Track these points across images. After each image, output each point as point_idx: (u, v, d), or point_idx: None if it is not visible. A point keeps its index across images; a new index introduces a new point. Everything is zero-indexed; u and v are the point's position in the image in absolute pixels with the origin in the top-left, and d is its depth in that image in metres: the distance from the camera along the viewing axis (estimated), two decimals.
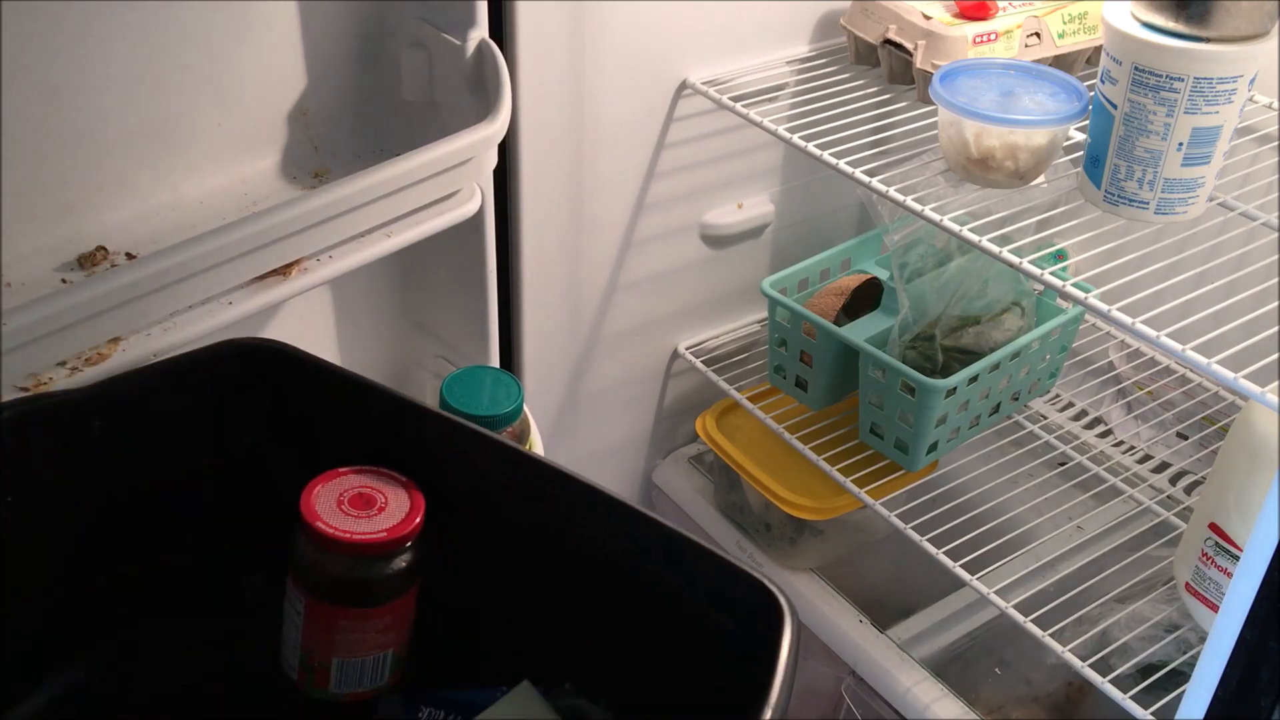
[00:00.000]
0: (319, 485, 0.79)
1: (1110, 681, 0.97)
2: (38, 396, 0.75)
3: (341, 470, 0.80)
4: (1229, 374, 0.82)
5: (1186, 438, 1.28)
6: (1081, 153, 1.01)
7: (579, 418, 1.33)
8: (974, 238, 0.98)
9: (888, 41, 1.15)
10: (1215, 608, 0.98)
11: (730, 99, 1.18)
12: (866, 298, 1.23)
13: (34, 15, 0.82)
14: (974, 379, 1.14)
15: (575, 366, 1.29)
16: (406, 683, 0.83)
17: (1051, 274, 0.93)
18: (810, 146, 1.10)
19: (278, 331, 1.01)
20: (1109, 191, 0.98)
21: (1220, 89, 0.90)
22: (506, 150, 1.10)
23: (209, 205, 0.95)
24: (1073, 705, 1.23)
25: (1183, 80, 0.90)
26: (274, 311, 1.00)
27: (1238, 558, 0.93)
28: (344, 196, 0.86)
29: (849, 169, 1.08)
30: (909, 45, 1.13)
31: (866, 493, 1.17)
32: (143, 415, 0.80)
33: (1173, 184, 0.95)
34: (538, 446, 1.01)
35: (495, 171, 1.03)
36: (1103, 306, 0.90)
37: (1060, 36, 1.15)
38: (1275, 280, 0.93)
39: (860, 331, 1.18)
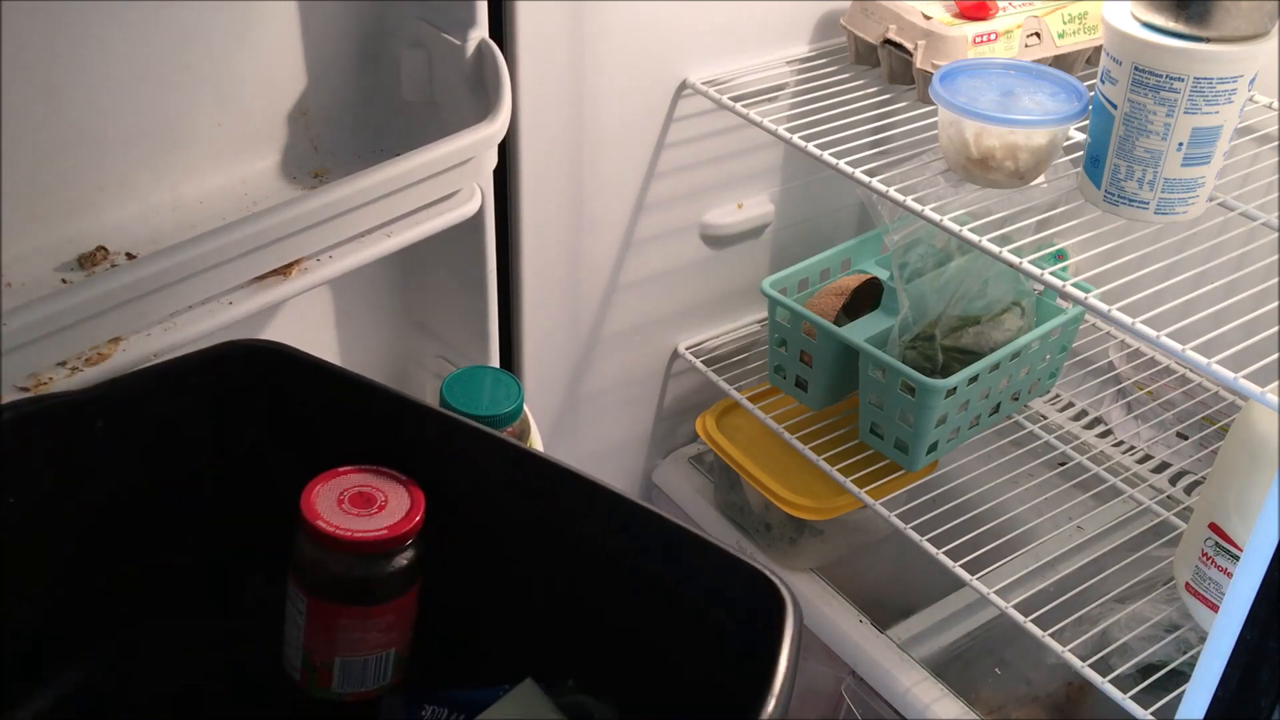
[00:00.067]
0: (319, 484, 0.79)
1: (1110, 681, 0.97)
2: (39, 398, 0.76)
3: (342, 469, 0.80)
4: (1229, 374, 0.82)
5: (1186, 438, 1.28)
6: (1081, 153, 1.01)
7: (579, 418, 1.33)
8: (974, 238, 0.98)
9: (888, 41, 1.16)
10: (1215, 608, 0.98)
11: (730, 99, 1.18)
12: (866, 298, 1.23)
13: (34, 15, 0.82)
14: (974, 379, 1.14)
15: (575, 366, 1.29)
16: (408, 682, 0.83)
17: (1051, 274, 0.93)
18: (810, 146, 1.10)
19: (278, 332, 1.01)
20: (1109, 191, 0.98)
21: (1220, 89, 0.90)
22: (506, 150, 1.10)
23: (209, 205, 0.95)
24: (1073, 705, 1.23)
25: (1183, 80, 0.90)
26: (274, 312, 1.00)
27: (1238, 558, 0.93)
28: (344, 196, 0.86)
29: (849, 169, 1.08)
30: (909, 45, 1.13)
31: (866, 493, 1.17)
32: (143, 416, 0.80)
33: (1173, 184, 0.95)
34: (538, 446, 1.01)
35: (495, 171, 1.03)
36: (1103, 306, 0.90)
37: (1060, 36, 1.15)
38: (1275, 280, 0.93)
39: (860, 331, 1.18)
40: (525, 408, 0.97)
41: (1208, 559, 0.99)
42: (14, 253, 0.86)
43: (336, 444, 0.82)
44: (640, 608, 0.77)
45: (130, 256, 0.89)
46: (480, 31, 0.97)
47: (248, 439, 0.84)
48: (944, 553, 1.10)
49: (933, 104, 1.05)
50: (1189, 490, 1.22)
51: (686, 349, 1.37)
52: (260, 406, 0.84)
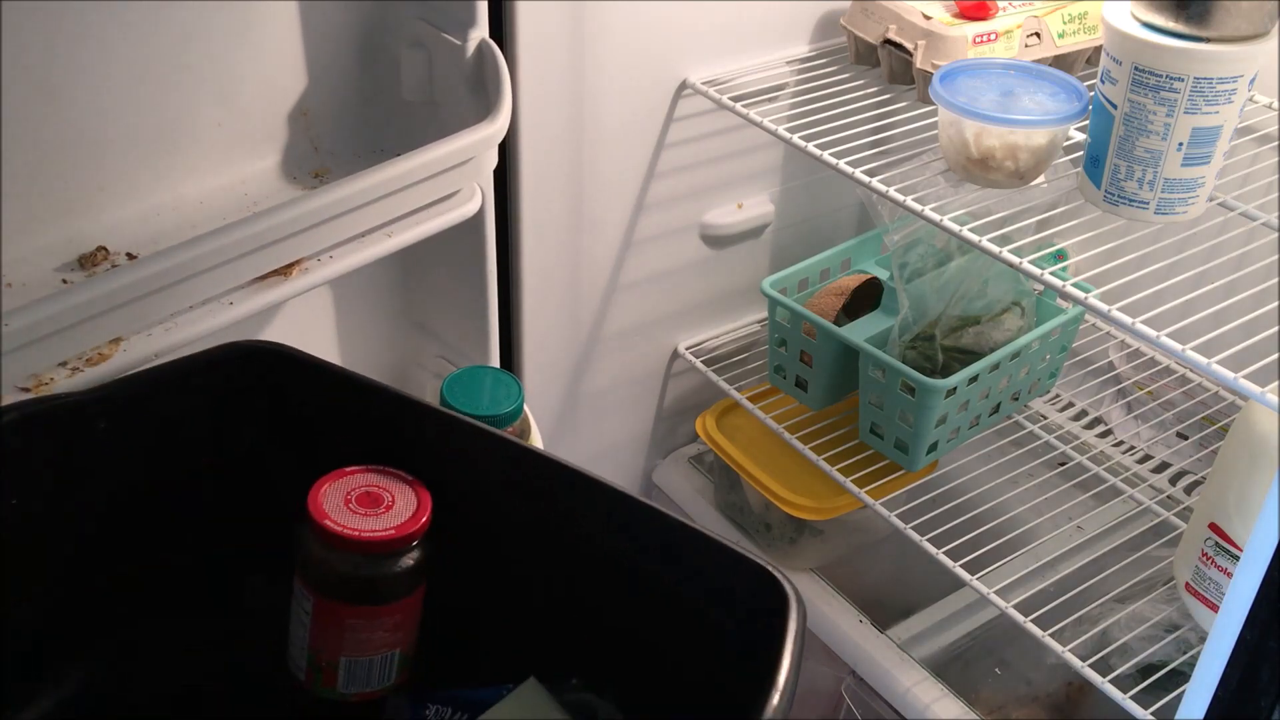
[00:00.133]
0: (326, 484, 0.79)
1: (1110, 681, 0.97)
2: (41, 399, 0.76)
3: (349, 469, 0.81)
4: (1229, 374, 0.82)
5: (1186, 438, 1.28)
6: (1081, 153, 1.02)
7: (579, 417, 1.33)
8: (974, 238, 0.99)
9: (888, 41, 1.16)
10: (1215, 608, 0.98)
11: (730, 99, 1.18)
12: (866, 298, 1.23)
13: (34, 15, 0.82)
14: (974, 379, 1.14)
15: (575, 366, 1.29)
16: (411, 682, 0.83)
17: (1051, 274, 0.93)
18: (810, 146, 1.10)
19: (278, 332, 1.01)
20: (1109, 191, 0.98)
21: (1220, 89, 0.90)
22: (506, 150, 1.09)
23: (209, 205, 0.95)
24: (1073, 705, 1.23)
25: (1183, 80, 0.90)
26: (274, 312, 1.00)
27: (1238, 558, 0.93)
28: (344, 197, 0.86)
29: (849, 169, 1.08)
30: (909, 45, 1.13)
31: (866, 493, 1.17)
32: (144, 417, 0.80)
33: (1173, 184, 0.95)
34: (538, 446, 1.01)
35: (495, 171, 1.03)
36: (1103, 306, 0.90)
37: (1060, 36, 1.15)
38: (1275, 280, 0.93)
39: (860, 331, 1.18)
40: (525, 408, 0.97)
41: (1208, 559, 0.99)
42: (14, 253, 0.86)
43: (337, 444, 0.82)
44: (642, 606, 0.77)
45: (131, 257, 0.89)
46: (480, 31, 0.97)
47: (248, 439, 0.84)
48: (944, 553, 1.10)
49: (933, 104, 1.05)
50: (1189, 490, 1.22)
51: (686, 349, 1.37)
52: (260, 407, 0.84)
